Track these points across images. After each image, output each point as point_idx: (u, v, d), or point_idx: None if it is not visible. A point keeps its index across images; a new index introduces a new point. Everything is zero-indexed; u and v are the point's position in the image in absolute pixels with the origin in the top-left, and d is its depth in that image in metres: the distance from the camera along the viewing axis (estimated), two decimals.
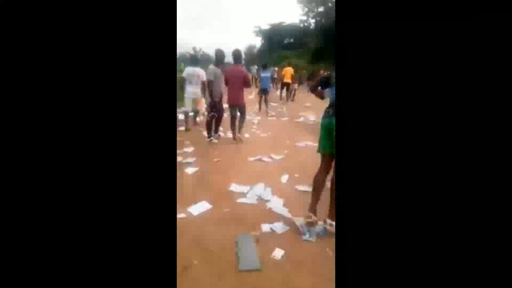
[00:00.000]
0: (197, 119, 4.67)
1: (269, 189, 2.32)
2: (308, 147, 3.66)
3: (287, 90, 7.80)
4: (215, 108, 3.55)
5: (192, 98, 4.13)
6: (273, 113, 6.13)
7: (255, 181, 2.47)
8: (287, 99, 7.96)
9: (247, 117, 5.50)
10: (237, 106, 3.65)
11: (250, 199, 2.17)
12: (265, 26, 31.58)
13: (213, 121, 3.67)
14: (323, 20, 23.45)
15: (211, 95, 3.44)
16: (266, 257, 1.53)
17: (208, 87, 3.43)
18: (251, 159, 3.06)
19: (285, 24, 30.88)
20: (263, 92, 6.18)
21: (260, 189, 2.31)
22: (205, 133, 3.89)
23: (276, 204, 2.10)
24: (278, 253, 1.57)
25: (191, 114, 4.40)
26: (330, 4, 22.68)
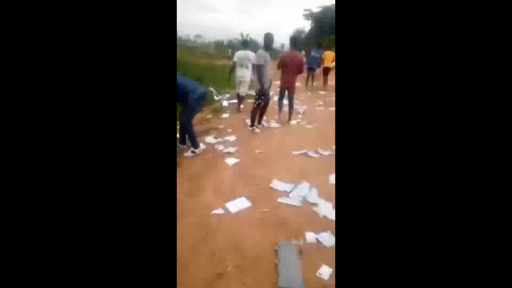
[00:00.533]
0: (241, 106, 4.58)
1: (315, 190, 2.05)
2: None
3: (326, 74, 7.57)
4: (263, 96, 3.37)
5: (241, 81, 4.16)
6: (321, 102, 5.67)
7: (300, 179, 2.22)
8: (324, 84, 7.66)
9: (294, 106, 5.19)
10: (288, 89, 3.68)
11: (293, 200, 1.94)
12: (316, 9, 29.80)
13: (258, 109, 3.50)
14: None
15: (260, 80, 3.27)
16: (311, 274, 1.30)
17: (257, 72, 3.26)
18: (296, 152, 2.80)
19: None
20: (311, 70, 7.02)
21: (305, 189, 2.06)
22: (248, 121, 3.73)
23: (324, 209, 1.83)
24: (325, 271, 1.33)
25: (243, 95, 4.41)
26: None
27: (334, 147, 3.00)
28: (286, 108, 4.02)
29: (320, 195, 2.00)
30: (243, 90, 4.31)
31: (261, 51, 3.24)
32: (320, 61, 7.61)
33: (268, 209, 1.82)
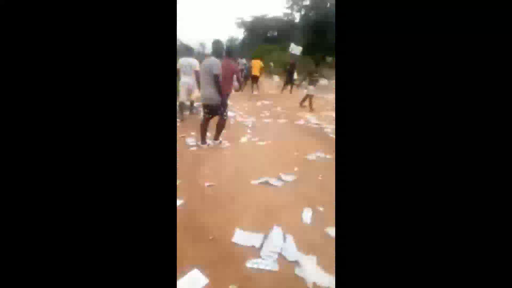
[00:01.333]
0: (184, 114, 4.36)
1: (290, 239, 1.58)
2: (321, 160, 2.96)
3: (255, 83, 8.02)
4: (223, 108, 3.00)
5: (186, 88, 4.02)
6: (267, 113, 5.38)
7: (268, 221, 1.72)
8: (252, 91, 8.07)
9: (240, 119, 4.73)
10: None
11: (266, 261, 1.41)
12: (248, 18, 30.61)
13: (208, 123, 3.08)
14: (310, 14, 22.97)
15: (220, 91, 2.85)
16: None
17: (214, 83, 2.82)
18: (256, 182, 2.30)
19: (268, 16, 30.03)
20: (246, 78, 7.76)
21: (278, 239, 1.57)
22: (189, 140, 3.07)
23: (310, 270, 1.37)
24: None
25: (187, 103, 4.41)
26: None
27: (296, 168, 2.63)
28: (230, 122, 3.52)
29: (299, 245, 1.54)
30: (186, 98, 4.20)
31: (213, 59, 2.80)
32: (248, 69, 8.05)
33: (236, 286, 1.25)
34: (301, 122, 4.82)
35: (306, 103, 5.95)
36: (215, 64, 2.78)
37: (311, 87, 5.80)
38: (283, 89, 8.38)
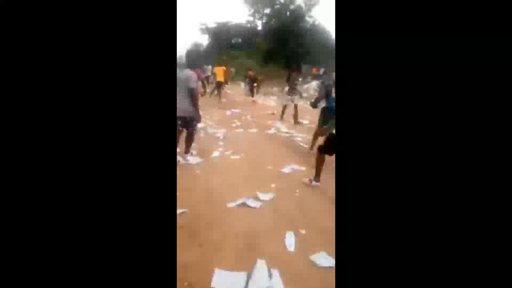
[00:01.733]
0: None
1: (277, 275, 1.42)
2: (296, 172, 2.88)
3: (219, 89, 8.12)
4: (197, 120, 2.88)
5: None
6: (238, 122, 5.22)
7: (250, 255, 1.55)
8: (217, 96, 8.10)
9: (210, 130, 4.52)
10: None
11: None
12: (212, 24, 30.36)
13: (179, 138, 2.87)
14: (272, 22, 23.56)
15: (196, 104, 2.73)
16: None
17: (192, 96, 2.68)
18: (232, 204, 2.11)
19: (232, 23, 30.13)
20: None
21: (263, 277, 1.40)
22: None
23: None
24: None
25: None
26: (277, 6, 22.84)
27: (272, 185, 2.50)
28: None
29: (286, 279, 1.39)
30: None
31: (189, 72, 2.62)
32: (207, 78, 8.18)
33: None
34: (272, 131, 4.75)
35: (291, 114, 5.52)
36: (192, 77, 2.63)
37: (293, 97, 5.41)
38: (248, 96, 8.58)
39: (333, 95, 3.62)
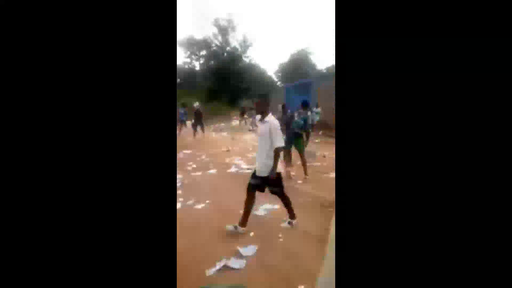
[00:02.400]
0: None
1: None
2: (271, 212, 2.67)
3: None
4: None
5: None
6: (194, 165, 4.82)
7: None
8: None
9: None
10: None
11: None
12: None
13: None
14: (211, 62, 24.53)
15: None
16: None
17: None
18: (212, 271, 1.73)
19: None
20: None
21: None
22: None
23: None
24: None
25: None
26: (214, 48, 24.08)
27: (251, 233, 2.22)
28: None
29: None
30: None
31: None
32: None
33: None
34: (233, 169, 4.52)
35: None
36: None
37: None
38: (194, 134, 8.18)
39: (296, 118, 3.76)
